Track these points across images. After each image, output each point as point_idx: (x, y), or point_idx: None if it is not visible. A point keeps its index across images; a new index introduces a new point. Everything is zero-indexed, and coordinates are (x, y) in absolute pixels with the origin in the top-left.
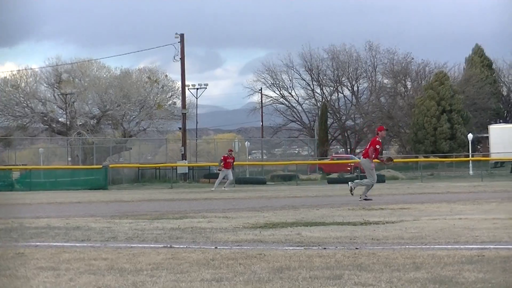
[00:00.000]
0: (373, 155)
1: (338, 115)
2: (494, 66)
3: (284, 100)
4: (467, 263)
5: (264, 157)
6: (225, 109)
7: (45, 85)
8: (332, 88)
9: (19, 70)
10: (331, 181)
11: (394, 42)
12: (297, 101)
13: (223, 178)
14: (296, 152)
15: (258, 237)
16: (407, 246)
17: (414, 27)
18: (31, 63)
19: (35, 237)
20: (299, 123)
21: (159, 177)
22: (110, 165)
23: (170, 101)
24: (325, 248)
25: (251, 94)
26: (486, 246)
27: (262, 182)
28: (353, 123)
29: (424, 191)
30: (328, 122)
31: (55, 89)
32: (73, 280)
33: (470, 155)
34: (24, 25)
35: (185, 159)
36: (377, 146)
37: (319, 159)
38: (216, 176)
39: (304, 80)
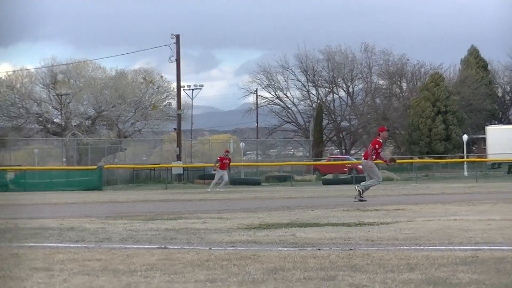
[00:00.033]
0: (373, 156)
1: (333, 116)
2: (489, 67)
3: (280, 101)
4: (461, 264)
5: (259, 158)
6: (220, 110)
7: (40, 85)
8: (327, 89)
9: (14, 71)
10: (326, 182)
11: (390, 43)
12: (293, 102)
13: (219, 179)
14: (291, 153)
15: (253, 238)
16: (401, 247)
17: (410, 28)
18: (26, 64)
19: (30, 238)
20: (294, 124)
21: (154, 178)
22: (105, 166)
23: (166, 102)
24: (319, 249)
25: (247, 95)
26: (480, 247)
27: (257, 183)
28: (348, 124)
29: (418, 192)
30: (323, 123)
31: (50, 89)
32: (67, 281)
33: (465, 156)
34: (20, 25)
35: (180, 160)
36: (377, 146)
37: (314, 160)
38: (210, 177)
39: (300, 81)
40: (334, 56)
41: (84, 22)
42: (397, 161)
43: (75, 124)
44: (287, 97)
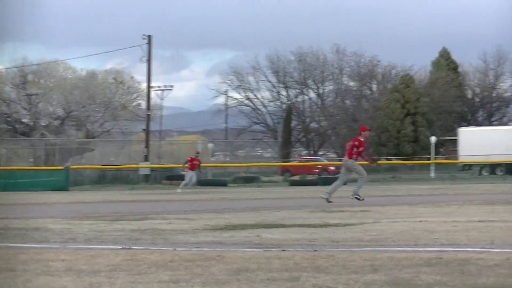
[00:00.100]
0: (355, 155)
1: (302, 117)
2: (460, 69)
3: (249, 102)
4: (425, 266)
5: (228, 159)
6: (190, 111)
7: (10, 85)
8: (297, 91)
9: None
10: (294, 183)
11: (361, 45)
12: (262, 103)
13: (189, 180)
14: (259, 154)
15: (218, 239)
16: (366, 249)
17: (382, 29)
18: None
19: None
20: (263, 125)
21: (121, 178)
22: (72, 166)
23: (135, 103)
24: (284, 250)
25: (217, 96)
26: (445, 249)
27: (223, 184)
28: (317, 125)
29: (385, 194)
30: (292, 124)
31: (20, 90)
32: (30, 282)
33: (432, 158)
34: None
35: (148, 161)
36: (356, 143)
37: (282, 161)
38: (178, 178)
39: (270, 82)
40: (305, 57)
41: (56, 23)
42: (378, 162)
43: (44, 124)
44: (257, 98)
